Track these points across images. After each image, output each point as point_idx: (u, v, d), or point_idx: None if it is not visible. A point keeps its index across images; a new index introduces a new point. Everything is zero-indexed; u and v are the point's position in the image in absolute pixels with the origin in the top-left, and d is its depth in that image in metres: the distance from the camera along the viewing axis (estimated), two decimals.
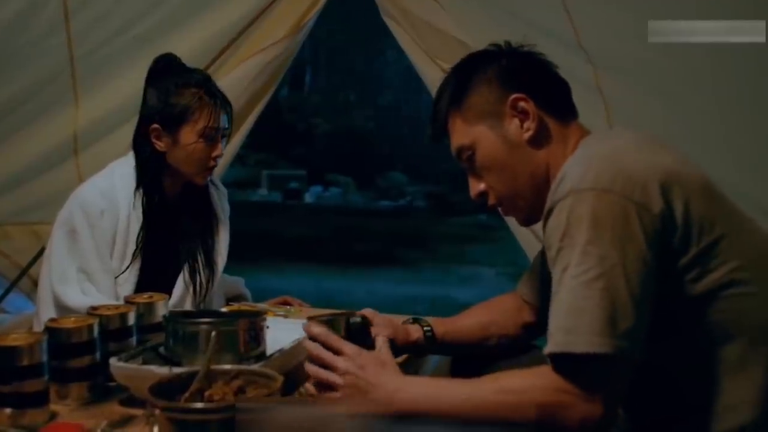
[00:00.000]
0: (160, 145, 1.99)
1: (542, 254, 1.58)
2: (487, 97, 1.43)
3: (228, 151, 2.86)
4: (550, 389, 1.13)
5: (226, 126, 2.03)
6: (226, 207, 2.22)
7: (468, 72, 1.47)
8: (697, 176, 1.24)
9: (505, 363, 1.57)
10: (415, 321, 1.67)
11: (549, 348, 1.14)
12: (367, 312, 1.53)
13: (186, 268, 2.07)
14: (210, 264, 2.10)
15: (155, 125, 1.99)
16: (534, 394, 1.14)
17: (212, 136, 1.98)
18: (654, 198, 1.16)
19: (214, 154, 1.99)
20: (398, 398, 1.22)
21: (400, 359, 1.60)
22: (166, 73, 2.01)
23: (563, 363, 1.13)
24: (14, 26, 2.43)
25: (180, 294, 2.05)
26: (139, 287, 1.97)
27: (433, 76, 2.65)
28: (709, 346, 1.20)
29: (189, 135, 1.96)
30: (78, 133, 2.72)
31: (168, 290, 1.99)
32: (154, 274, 2.01)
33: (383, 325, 1.55)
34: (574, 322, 1.12)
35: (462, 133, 1.45)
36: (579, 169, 1.22)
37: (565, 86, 1.47)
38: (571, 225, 1.17)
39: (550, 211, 1.21)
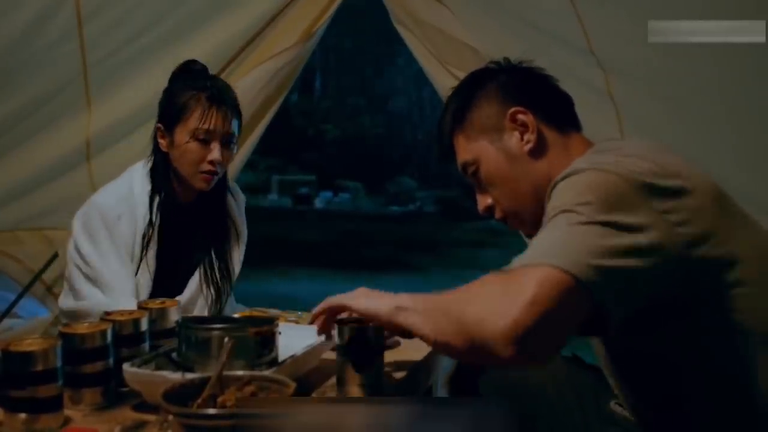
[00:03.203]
0: (162, 144, 2.02)
1: None
2: (487, 112, 1.45)
3: (239, 156, 2.87)
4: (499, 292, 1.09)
5: (231, 132, 2.00)
6: (243, 217, 2.23)
7: (468, 90, 1.49)
8: (706, 181, 1.24)
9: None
10: None
11: (515, 264, 1.11)
12: None
13: (200, 273, 2.08)
14: (224, 272, 2.12)
15: (159, 124, 2.02)
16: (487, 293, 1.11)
17: (205, 138, 1.96)
18: (657, 189, 1.16)
19: (210, 157, 1.96)
20: (399, 297, 1.28)
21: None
22: (183, 75, 2.05)
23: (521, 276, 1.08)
24: (28, 33, 2.45)
25: (189, 297, 2.06)
26: (155, 290, 2.00)
27: (443, 82, 2.66)
28: (721, 344, 1.20)
29: (182, 134, 1.97)
30: (90, 139, 2.73)
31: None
32: (170, 279, 2.04)
33: None
34: (550, 246, 1.10)
35: (465, 149, 1.47)
36: (584, 159, 1.25)
37: (567, 99, 1.48)
38: (566, 192, 1.18)
39: (551, 191, 1.22)
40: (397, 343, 1.68)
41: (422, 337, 1.22)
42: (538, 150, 1.41)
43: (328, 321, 1.47)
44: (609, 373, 1.41)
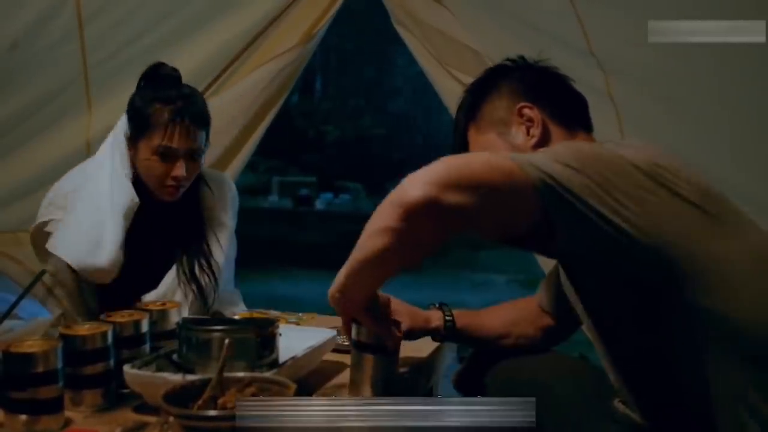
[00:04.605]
0: (130, 154, 1.99)
1: (558, 266, 1.60)
2: (497, 107, 1.49)
3: (239, 158, 2.87)
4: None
5: (195, 147, 1.96)
6: (228, 207, 2.15)
7: (482, 85, 1.54)
8: (699, 183, 1.25)
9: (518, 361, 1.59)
10: (441, 307, 1.71)
11: None
12: (383, 297, 1.50)
13: (177, 269, 2.02)
14: (204, 267, 2.05)
15: (126, 132, 1.99)
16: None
17: (167, 155, 1.92)
18: (649, 179, 1.19)
19: (173, 174, 1.93)
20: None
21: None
22: (153, 82, 2.00)
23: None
24: (28, 34, 2.45)
25: (164, 292, 1.99)
26: (129, 282, 1.96)
27: (443, 83, 2.66)
28: (708, 342, 1.21)
29: (145, 150, 1.94)
30: (91, 141, 2.72)
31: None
32: (145, 272, 1.99)
33: (401, 312, 1.63)
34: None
35: (476, 142, 1.52)
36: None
37: (579, 99, 1.51)
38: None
39: None
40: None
41: (379, 255, 1.23)
42: (543, 145, 1.44)
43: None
44: (611, 371, 1.42)
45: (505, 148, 1.46)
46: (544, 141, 1.44)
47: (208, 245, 2.08)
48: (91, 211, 1.96)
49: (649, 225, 1.17)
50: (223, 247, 2.10)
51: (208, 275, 2.04)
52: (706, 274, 1.19)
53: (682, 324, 1.21)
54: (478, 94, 1.53)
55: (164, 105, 1.92)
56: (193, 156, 1.96)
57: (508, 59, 1.57)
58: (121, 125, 2.03)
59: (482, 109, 1.50)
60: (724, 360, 1.20)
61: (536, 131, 1.44)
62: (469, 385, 1.64)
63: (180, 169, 1.93)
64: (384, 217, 1.17)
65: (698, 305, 1.19)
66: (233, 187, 2.21)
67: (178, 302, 1.81)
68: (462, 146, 1.55)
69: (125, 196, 1.96)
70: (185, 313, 1.99)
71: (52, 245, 1.96)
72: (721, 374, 1.20)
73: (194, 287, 2.01)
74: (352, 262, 1.27)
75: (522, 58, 1.55)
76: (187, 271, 2.02)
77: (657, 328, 1.23)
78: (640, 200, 1.17)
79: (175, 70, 2.03)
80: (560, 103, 1.48)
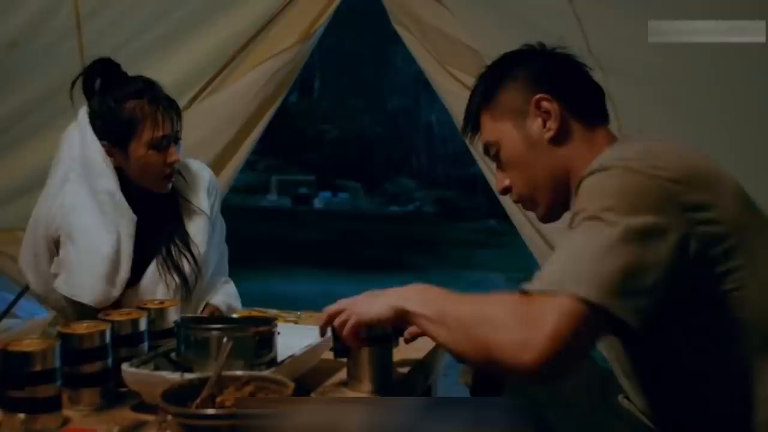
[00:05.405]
0: (113, 161, 1.96)
1: None
2: (514, 95, 1.45)
3: (238, 156, 2.87)
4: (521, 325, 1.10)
5: (177, 129, 1.98)
6: (202, 195, 2.12)
7: (499, 70, 1.50)
8: (729, 178, 1.25)
9: None
10: None
11: (537, 285, 1.12)
12: None
13: (157, 259, 2.01)
14: (185, 254, 2.03)
15: (104, 142, 1.95)
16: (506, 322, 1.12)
17: (161, 145, 1.93)
18: (685, 186, 1.17)
19: (169, 160, 1.95)
20: (412, 286, 1.32)
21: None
22: (104, 83, 1.98)
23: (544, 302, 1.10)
24: (26, 33, 2.45)
25: (148, 281, 1.99)
26: None
27: (442, 82, 2.66)
28: (726, 342, 1.20)
29: (138, 149, 1.93)
30: None
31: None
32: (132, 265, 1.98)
33: None
34: (574, 267, 1.12)
35: (489, 129, 1.48)
36: (612, 152, 1.27)
37: (597, 90, 1.48)
38: (594, 194, 1.19)
39: (578, 187, 1.23)
40: (395, 344, 1.68)
41: (438, 343, 1.27)
42: (559, 139, 1.41)
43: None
44: (621, 370, 1.41)
45: (519, 138, 1.43)
46: (560, 135, 1.40)
47: (186, 231, 2.06)
48: (92, 249, 1.94)
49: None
50: (202, 234, 2.08)
51: (189, 262, 2.03)
52: (735, 279, 1.18)
53: (715, 329, 1.20)
54: (494, 79, 1.48)
55: (137, 99, 1.92)
56: (177, 140, 1.99)
57: (526, 45, 1.52)
58: (79, 146, 2.00)
59: (498, 96, 1.46)
60: (761, 367, 1.20)
61: (553, 124, 1.40)
62: (483, 384, 1.61)
63: (174, 154, 1.95)
64: (483, 339, 1.14)
65: (733, 313, 1.18)
66: (207, 171, 2.19)
67: (176, 300, 1.80)
68: (472, 129, 1.52)
69: (126, 217, 1.96)
70: None
71: (63, 287, 1.97)
72: (756, 381, 1.20)
73: (175, 276, 2.01)
74: (429, 317, 1.25)
75: (541, 44, 1.51)
76: (167, 260, 2.02)
77: (695, 335, 1.22)
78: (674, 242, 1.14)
79: (116, 64, 2.01)
80: (578, 94, 1.44)
